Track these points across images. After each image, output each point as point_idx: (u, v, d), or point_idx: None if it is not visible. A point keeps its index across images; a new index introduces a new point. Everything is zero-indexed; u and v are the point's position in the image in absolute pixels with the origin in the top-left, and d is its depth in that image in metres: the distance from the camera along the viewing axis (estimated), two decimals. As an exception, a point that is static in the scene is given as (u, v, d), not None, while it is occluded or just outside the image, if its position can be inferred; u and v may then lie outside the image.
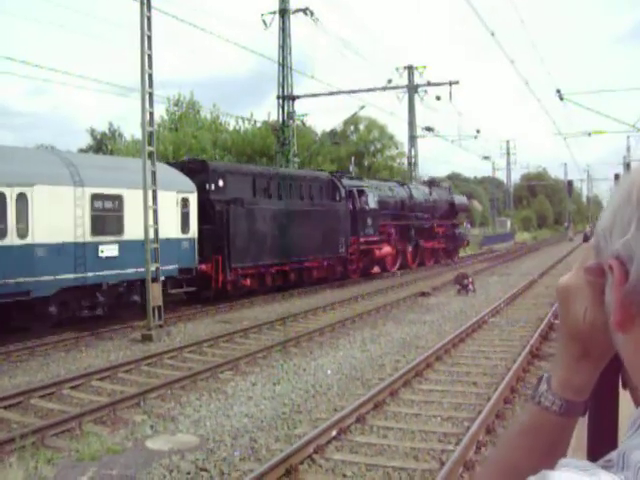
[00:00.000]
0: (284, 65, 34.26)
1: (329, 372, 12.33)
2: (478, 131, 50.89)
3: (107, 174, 17.67)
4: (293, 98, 35.35)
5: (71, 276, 16.17)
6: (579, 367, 0.93)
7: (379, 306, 20.56)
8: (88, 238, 16.66)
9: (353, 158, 43.94)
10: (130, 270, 17.68)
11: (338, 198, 28.39)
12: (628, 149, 60.64)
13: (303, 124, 38.59)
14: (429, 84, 41.12)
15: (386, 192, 32.71)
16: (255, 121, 44.25)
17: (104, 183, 17.27)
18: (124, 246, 17.53)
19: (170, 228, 18.83)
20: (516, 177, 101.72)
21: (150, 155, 16.40)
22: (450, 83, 38.80)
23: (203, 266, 20.64)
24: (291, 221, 24.31)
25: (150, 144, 16.47)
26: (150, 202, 16.36)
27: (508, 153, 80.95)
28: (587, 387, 0.95)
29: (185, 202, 19.95)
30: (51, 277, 15.53)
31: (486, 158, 64.63)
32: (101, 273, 16.97)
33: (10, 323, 15.50)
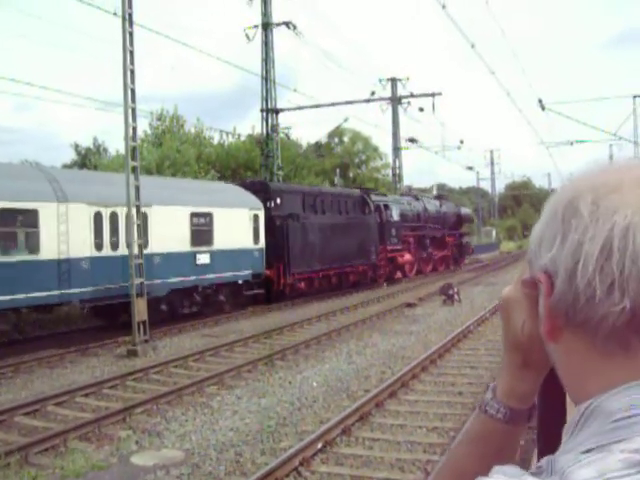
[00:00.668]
0: (267, 78, 34.35)
1: (315, 384, 12.34)
2: (462, 142, 51.27)
3: (201, 196, 21.43)
4: (277, 111, 35.43)
5: (178, 279, 19.73)
6: (521, 376, 0.97)
7: (365, 317, 20.58)
8: (188, 248, 20.19)
9: (338, 170, 44.10)
10: (218, 275, 21.39)
11: (368, 212, 31.89)
12: (611, 157, 60.83)
13: (287, 137, 38.64)
14: (412, 96, 41.37)
15: (405, 206, 36.58)
16: (239, 135, 44.34)
17: (199, 203, 20.89)
18: (214, 255, 21.17)
19: (245, 240, 22.88)
20: (500, 187, 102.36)
21: (134, 169, 16.39)
22: (433, 94, 39.07)
23: (268, 271, 24.07)
24: (333, 232, 27.76)
25: (133, 159, 16.47)
26: (134, 218, 16.33)
27: (492, 163, 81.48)
28: (530, 395, 0.99)
29: (256, 218, 23.55)
30: (164, 280, 19.03)
31: (470, 168, 65.00)
32: (198, 277, 20.59)
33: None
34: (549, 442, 1.11)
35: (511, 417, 0.99)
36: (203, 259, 20.71)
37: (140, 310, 16.26)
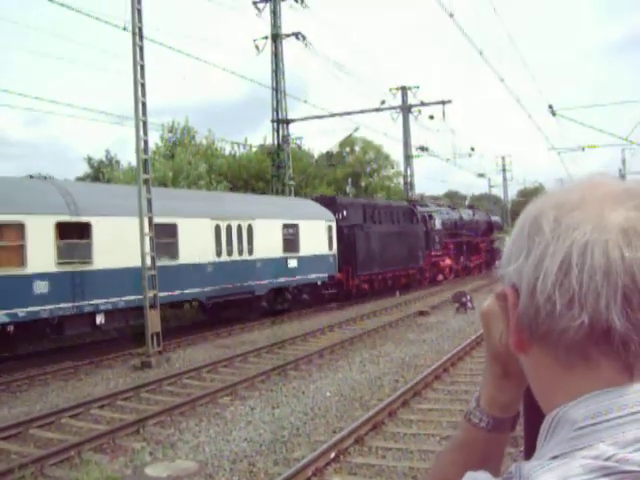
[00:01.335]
0: (277, 89, 34.47)
1: (328, 394, 12.35)
2: (472, 149, 51.15)
3: (289, 210, 25.77)
4: (287, 122, 35.52)
5: (275, 280, 23.56)
6: (502, 386, 1.00)
7: (378, 326, 20.57)
8: (281, 254, 24.09)
9: (350, 179, 44.12)
10: (303, 277, 25.26)
11: (415, 221, 35.47)
12: (623, 162, 60.79)
13: (299, 147, 38.72)
14: (422, 104, 41.38)
15: (445, 215, 40.46)
16: (250, 145, 44.46)
17: (288, 216, 24.94)
18: (300, 260, 24.99)
19: (322, 247, 26.62)
20: (512, 193, 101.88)
21: (145, 182, 16.50)
22: (443, 102, 39.08)
23: (339, 274, 27.56)
24: (388, 240, 31.31)
25: (145, 171, 16.58)
26: (146, 229, 16.42)
27: (504, 169, 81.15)
28: (512, 404, 1.03)
29: (330, 228, 27.27)
30: (266, 281, 22.99)
31: (481, 175, 64.82)
32: (288, 279, 24.48)
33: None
34: (534, 450, 1.14)
35: (494, 426, 1.02)
36: (292, 263, 24.65)
37: (153, 322, 16.34)
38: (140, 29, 16.32)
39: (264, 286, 22.98)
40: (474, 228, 45.26)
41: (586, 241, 0.73)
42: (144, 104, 16.44)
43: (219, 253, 21.03)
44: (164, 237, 18.46)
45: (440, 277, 38.37)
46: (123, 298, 17.16)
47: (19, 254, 14.97)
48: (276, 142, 35.74)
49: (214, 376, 14.58)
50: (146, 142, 16.80)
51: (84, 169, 51.82)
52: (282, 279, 24.01)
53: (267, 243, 23.20)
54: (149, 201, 16.57)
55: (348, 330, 20.55)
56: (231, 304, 22.06)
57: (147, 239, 16.48)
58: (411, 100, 42.77)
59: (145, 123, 16.56)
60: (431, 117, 40.46)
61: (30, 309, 15.00)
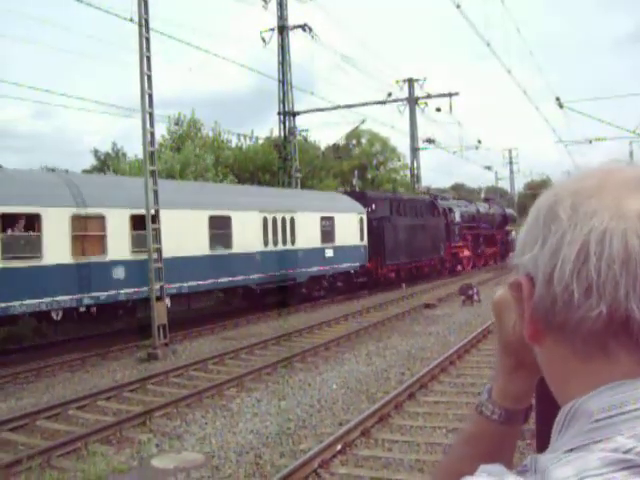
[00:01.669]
0: (284, 82, 34.41)
1: (334, 386, 12.35)
2: (479, 141, 51.03)
3: (326, 203, 27.79)
4: (294, 114, 35.47)
5: (313, 269, 25.52)
6: (514, 377, 0.98)
7: (384, 319, 20.57)
8: (319, 245, 26.05)
9: (356, 172, 44.05)
10: (338, 266, 27.22)
11: (437, 214, 37.50)
12: (631, 154, 60.55)
13: (305, 139, 38.68)
14: (429, 96, 41.28)
15: (463, 209, 42.43)
16: (257, 138, 44.44)
17: (325, 209, 26.93)
18: (335, 250, 26.93)
19: (355, 238, 28.52)
20: (519, 186, 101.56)
21: (152, 174, 16.50)
22: (450, 95, 38.98)
23: (369, 264, 29.37)
24: (412, 232, 33.16)
25: (152, 163, 16.57)
26: (150, 222, 16.41)
27: (511, 162, 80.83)
28: (524, 395, 1.01)
29: (361, 220, 29.13)
30: (305, 269, 24.98)
31: (488, 168, 64.63)
32: (325, 267, 26.40)
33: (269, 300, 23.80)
34: (547, 443, 1.12)
35: (506, 418, 1.00)
36: (329, 253, 26.62)
37: (160, 314, 16.37)
38: (146, 20, 16.29)
39: (304, 274, 25.03)
40: (490, 220, 47.46)
41: (604, 229, 0.71)
42: (150, 96, 16.43)
43: (266, 243, 23.08)
44: (220, 228, 20.76)
45: (459, 267, 40.69)
46: (185, 284, 19.16)
47: (101, 243, 16.89)
48: (282, 134, 35.70)
49: (220, 368, 14.60)
50: (153, 134, 16.79)
51: (90, 161, 51.88)
52: (320, 268, 26.08)
53: (307, 234, 25.28)
54: (155, 193, 16.57)
55: (355, 322, 20.54)
56: (273, 291, 23.87)
57: (151, 232, 16.48)
58: (418, 92, 42.70)
59: (152, 115, 16.55)
60: (438, 109, 40.38)
61: (110, 292, 16.85)
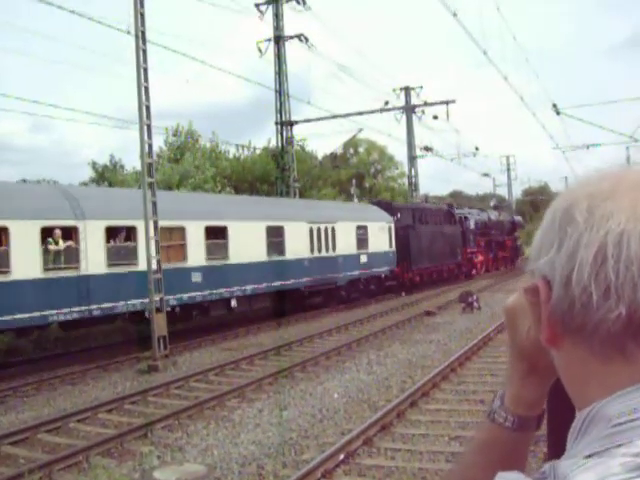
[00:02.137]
0: (281, 91, 34.46)
1: (336, 396, 12.32)
2: (477, 148, 50.98)
3: (360, 214, 30.47)
4: (291, 124, 35.50)
5: (352, 273, 28.22)
6: (528, 383, 0.97)
7: (384, 327, 20.54)
8: (355, 251, 28.51)
9: (354, 181, 44.08)
10: (371, 270, 29.82)
11: (454, 222, 40.40)
12: (628, 160, 60.47)
13: (302, 149, 38.71)
14: (426, 104, 41.29)
15: (476, 216, 45.57)
16: (255, 148, 44.48)
17: (360, 219, 29.50)
18: (369, 256, 29.44)
19: (385, 245, 31.11)
20: (517, 193, 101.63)
21: (150, 186, 16.49)
22: (447, 102, 38.98)
23: (396, 268, 31.87)
24: (433, 238, 35.80)
25: (150, 175, 16.57)
26: (152, 233, 16.41)
27: (508, 169, 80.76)
28: (538, 402, 1.00)
29: (390, 228, 31.69)
30: (345, 274, 27.56)
31: (486, 175, 64.59)
32: (361, 272, 28.95)
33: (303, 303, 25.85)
34: (559, 449, 1.11)
35: (519, 425, 0.99)
36: (364, 259, 29.05)
37: (160, 325, 16.33)
38: (143, 32, 16.32)
39: (343, 278, 27.58)
40: (500, 227, 50.71)
41: (621, 231, 0.71)
42: (148, 107, 16.43)
43: (312, 250, 25.63)
44: (275, 237, 23.46)
45: (474, 272, 43.23)
46: (248, 287, 21.65)
47: (182, 251, 19.40)
48: (280, 144, 35.74)
49: (221, 379, 14.56)
50: (150, 146, 16.79)
51: (88, 174, 51.86)
52: (356, 272, 28.54)
53: (345, 242, 27.85)
54: (154, 204, 16.56)
55: (355, 331, 20.51)
56: (314, 294, 26.51)
57: (152, 243, 16.46)
58: (414, 100, 42.74)
59: (149, 126, 16.55)
60: (435, 117, 40.37)
61: (190, 294, 19.28)
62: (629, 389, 0.71)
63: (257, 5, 33.77)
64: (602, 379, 0.74)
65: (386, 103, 40.05)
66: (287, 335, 20.30)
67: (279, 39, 34.16)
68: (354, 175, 51.83)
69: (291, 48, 34.05)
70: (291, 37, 34.09)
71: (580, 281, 0.72)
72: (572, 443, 0.75)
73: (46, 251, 15.49)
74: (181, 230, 19.27)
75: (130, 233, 17.66)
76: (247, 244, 21.66)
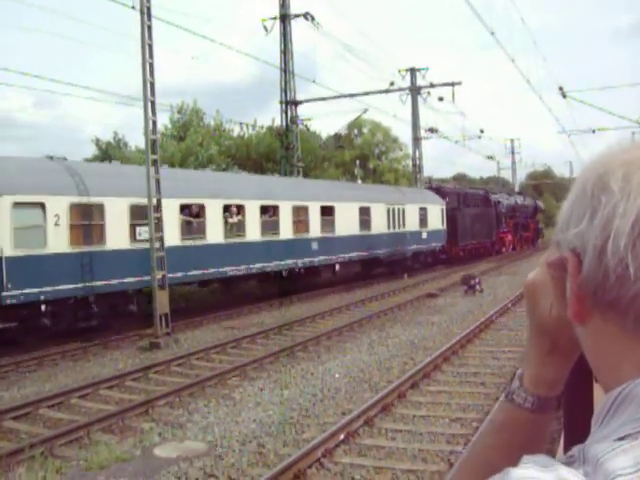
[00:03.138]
0: (286, 70, 34.25)
1: (337, 376, 12.33)
2: (482, 131, 50.87)
3: (421, 196, 35.70)
4: (296, 103, 35.30)
5: (414, 247, 33.28)
6: (549, 362, 0.93)
7: (386, 308, 20.54)
8: (418, 229, 33.75)
9: (358, 162, 43.92)
10: (429, 245, 34.93)
11: (489, 205, 45.04)
12: (633, 145, 60.31)
13: (307, 128, 38.51)
14: (431, 86, 40.96)
15: (506, 201, 50.17)
16: (261, 126, 44.29)
17: (421, 202, 34.68)
18: (428, 233, 34.55)
19: (438, 224, 36.06)
20: (521, 176, 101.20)
21: (154, 163, 16.42)
22: (452, 84, 38.71)
23: (446, 244, 36.93)
24: (474, 219, 41.01)
25: (154, 152, 16.49)
26: (152, 212, 16.30)
27: (513, 152, 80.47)
28: (559, 382, 0.95)
29: (442, 210, 36.75)
30: (410, 247, 32.71)
31: (490, 158, 64.37)
32: (421, 246, 34.05)
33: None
34: (576, 431, 1.07)
35: (539, 406, 0.95)
36: (424, 235, 34.22)
37: (162, 303, 16.32)
38: (148, 8, 16.18)
39: (410, 250, 32.87)
40: (525, 211, 55.65)
41: None
42: (152, 84, 16.33)
43: (389, 227, 30.82)
44: (364, 215, 28.54)
45: (504, 249, 48.27)
46: (347, 255, 26.90)
47: (305, 225, 24.70)
48: (284, 123, 35.57)
49: (223, 357, 14.58)
50: (155, 123, 16.68)
51: (92, 150, 51.71)
52: (419, 246, 33.78)
53: (412, 220, 32.98)
54: (157, 182, 16.49)
55: (357, 312, 20.51)
56: (390, 262, 31.38)
57: (153, 221, 16.40)
58: (420, 82, 42.43)
59: (154, 103, 16.44)
60: (440, 99, 40.12)
61: (309, 259, 24.62)
62: None
63: (263, -18, 33.48)
64: (635, 357, 0.70)
65: (391, 84, 39.74)
66: (289, 315, 20.30)
67: (285, 17, 33.89)
68: (358, 156, 51.66)
69: (297, 27, 33.70)
70: (297, 15, 33.82)
71: (616, 252, 0.68)
72: (599, 425, 0.71)
73: (225, 223, 20.73)
74: (305, 209, 24.65)
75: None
76: (346, 221, 27.06)
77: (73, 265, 15.60)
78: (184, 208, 19.28)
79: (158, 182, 16.51)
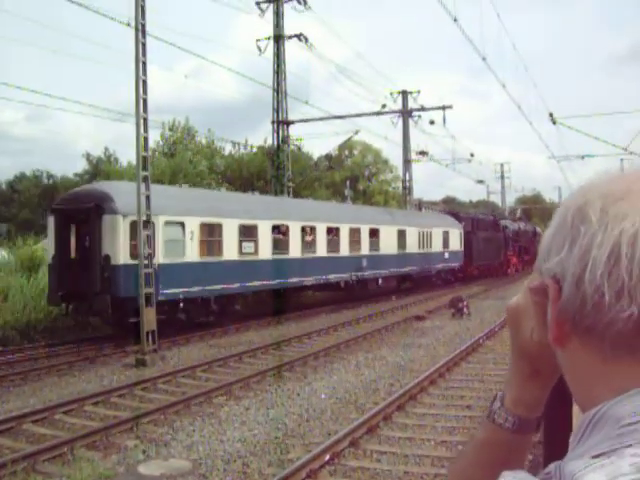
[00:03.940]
0: (279, 90, 34.43)
1: (323, 396, 12.31)
2: (472, 155, 51.17)
3: (443, 221, 40.43)
4: (288, 123, 35.47)
5: (438, 266, 37.75)
6: (530, 385, 0.97)
7: (374, 330, 20.53)
8: (441, 249, 38.06)
9: (348, 182, 44.05)
10: (449, 264, 39.38)
11: (498, 230, 49.48)
12: (622, 171, 60.81)
13: (299, 149, 38.65)
14: (423, 109, 41.25)
15: (511, 226, 54.75)
16: (251, 146, 44.41)
17: (443, 226, 39.19)
18: (449, 253, 39.06)
19: (457, 245, 40.59)
20: (510, 200, 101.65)
21: (145, 179, 16.43)
22: (443, 107, 39.01)
23: (463, 264, 41.21)
24: (485, 242, 45.34)
25: (144, 169, 16.51)
26: (141, 228, 16.29)
27: (502, 176, 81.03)
28: (538, 404, 0.99)
29: (460, 234, 41.20)
30: (436, 265, 37.37)
31: (480, 182, 64.77)
32: (444, 265, 38.69)
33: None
34: (556, 450, 1.11)
35: (520, 426, 0.99)
36: (446, 255, 38.60)
37: (149, 320, 16.26)
38: (143, 26, 16.27)
39: (435, 268, 37.24)
40: (526, 235, 60.16)
41: (635, 231, 0.71)
42: (145, 101, 16.39)
43: (420, 247, 35.20)
44: (401, 237, 33.15)
45: (509, 270, 52.10)
46: (388, 270, 31.41)
47: (358, 244, 29.15)
48: (276, 143, 35.68)
49: (209, 375, 14.52)
50: (146, 139, 16.73)
51: (82, 165, 51.69)
52: (442, 265, 38.22)
53: (437, 242, 37.42)
54: (148, 198, 16.49)
55: (344, 333, 20.50)
56: (411, 279, 35.37)
57: (144, 238, 16.39)
58: (411, 105, 42.70)
59: (146, 120, 16.49)
60: (432, 122, 40.39)
61: (360, 273, 28.97)
62: (639, 389, 0.70)
63: (258, 3, 33.71)
64: (611, 379, 0.73)
65: (383, 106, 40.02)
66: (276, 334, 20.27)
67: (279, 38, 34.12)
68: (348, 177, 51.84)
69: (291, 48, 34.00)
70: (291, 37, 34.06)
71: (592, 280, 0.72)
72: (577, 443, 0.74)
73: (302, 240, 25.49)
74: (358, 230, 29.16)
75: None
76: (388, 242, 31.59)
77: (201, 271, 19.58)
78: (274, 228, 23.95)
79: (148, 198, 16.51)
